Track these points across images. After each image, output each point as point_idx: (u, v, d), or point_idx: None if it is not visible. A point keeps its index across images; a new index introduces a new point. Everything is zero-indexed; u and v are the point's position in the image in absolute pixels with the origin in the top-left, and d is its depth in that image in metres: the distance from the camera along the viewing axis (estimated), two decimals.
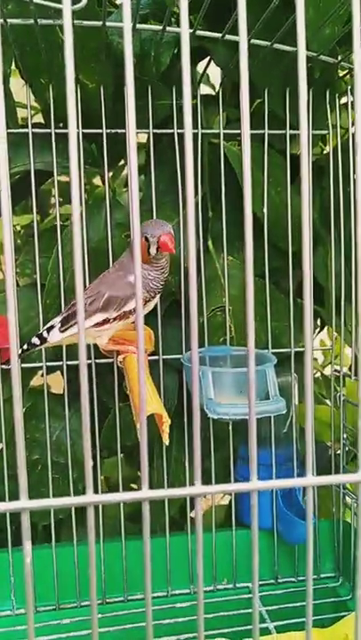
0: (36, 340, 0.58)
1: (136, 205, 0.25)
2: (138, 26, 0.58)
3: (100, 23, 0.55)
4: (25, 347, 0.59)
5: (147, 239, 0.55)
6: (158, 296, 0.60)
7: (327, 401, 0.85)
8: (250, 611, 0.29)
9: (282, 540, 0.71)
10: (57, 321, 0.58)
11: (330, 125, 0.69)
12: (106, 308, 0.56)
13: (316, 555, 0.72)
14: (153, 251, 0.55)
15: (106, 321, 0.57)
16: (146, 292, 0.57)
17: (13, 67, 0.64)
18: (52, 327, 0.58)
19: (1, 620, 0.65)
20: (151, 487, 0.26)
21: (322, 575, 0.72)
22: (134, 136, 0.25)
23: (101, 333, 0.59)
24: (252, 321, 0.26)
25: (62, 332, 0.57)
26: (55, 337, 0.57)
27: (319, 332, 0.91)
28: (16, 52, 0.60)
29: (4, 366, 0.64)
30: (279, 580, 0.71)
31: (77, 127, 0.63)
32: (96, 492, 0.25)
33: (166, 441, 0.47)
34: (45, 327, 0.59)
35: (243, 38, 0.24)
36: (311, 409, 0.26)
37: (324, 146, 0.82)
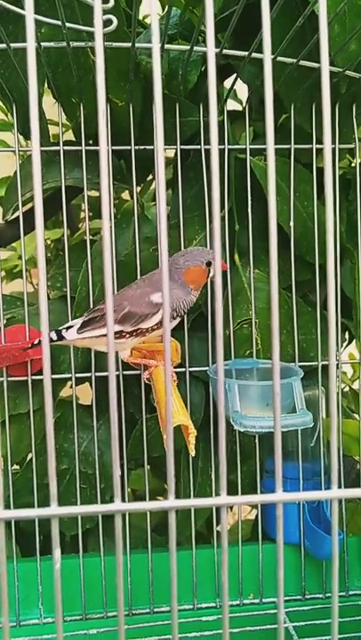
0: (53, 335, 0.58)
1: (164, 224, 0.26)
2: (166, 46, 0.60)
3: (130, 44, 0.57)
4: (36, 341, 0.60)
5: (209, 263, 0.57)
6: (179, 319, 0.60)
7: (356, 415, 0.84)
8: (276, 626, 0.29)
9: (309, 556, 0.70)
10: (77, 322, 0.59)
11: (356, 139, 0.69)
12: (122, 322, 0.57)
13: (344, 571, 0.71)
14: (212, 273, 0.58)
15: (121, 334, 0.57)
16: (172, 310, 0.58)
17: (46, 86, 0.66)
18: (71, 327, 0.59)
19: (28, 628, 0.66)
20: (178, 498, 0.26)
21: (350, 592, 0.71)
22: (162, 157, 0.26)
23: (122, 346, 0.59)
24: (278, 333, 0.26)
25: (80, 333, 0.58)
26: (71, 335, 0.58)
27: (347, 346, 0.90)
28: (49, 73, 0.62)
29: (35, 377, 0.66)
30: (307, 597, 0.70)
31: (107, 144, 0.65)
32: (123, 501, 0.26)
33: (192, 452, 0.47)
34: (65, 326, 0.59)
35: (267, 60, 0.25)
36: (336, 420, 0.26)
37: (353, 158, 0.82)
